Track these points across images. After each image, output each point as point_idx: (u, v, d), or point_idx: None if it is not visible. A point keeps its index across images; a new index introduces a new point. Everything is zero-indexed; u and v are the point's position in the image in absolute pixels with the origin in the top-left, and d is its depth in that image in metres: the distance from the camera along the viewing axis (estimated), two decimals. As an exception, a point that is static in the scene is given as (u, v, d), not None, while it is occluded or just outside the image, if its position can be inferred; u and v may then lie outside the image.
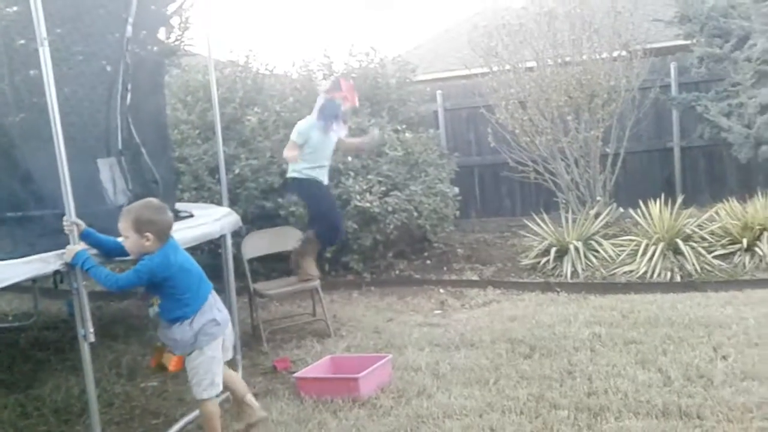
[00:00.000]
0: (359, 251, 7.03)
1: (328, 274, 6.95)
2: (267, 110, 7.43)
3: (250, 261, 5.49)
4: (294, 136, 5.22)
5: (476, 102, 9.00)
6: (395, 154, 7.24)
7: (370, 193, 6.76)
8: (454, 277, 7.10)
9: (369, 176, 6.93)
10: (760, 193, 6.93)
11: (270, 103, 7.56)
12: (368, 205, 6.67)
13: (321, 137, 5.19)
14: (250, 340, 5.27)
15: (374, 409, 3.82)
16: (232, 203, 5.95)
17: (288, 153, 5.20)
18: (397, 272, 7.32)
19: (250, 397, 3.59)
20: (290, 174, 5.34)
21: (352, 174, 6.92)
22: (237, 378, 3.67)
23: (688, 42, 8.55)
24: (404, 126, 7.88)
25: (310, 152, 5.18)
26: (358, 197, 6.69)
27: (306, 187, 5.32)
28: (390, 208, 6.82)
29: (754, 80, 7.59)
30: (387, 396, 3.99)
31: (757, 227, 6.44)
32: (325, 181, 5.36)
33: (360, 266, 7.09)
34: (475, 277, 7.04)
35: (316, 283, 5.52)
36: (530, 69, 8.08)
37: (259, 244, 5.64)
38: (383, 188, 6.87)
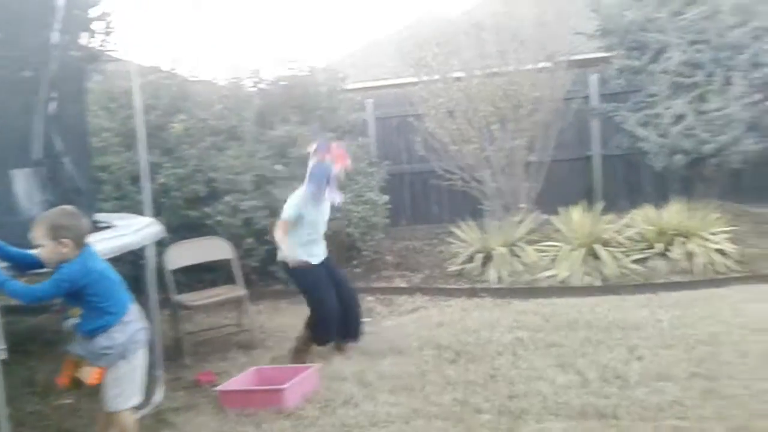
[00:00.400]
0: (287, 260, 6.97)
1: (255, 284, 6.86)
2: (193, 117, 7.31)
3: (175, 272, 5.39)
4: (286, 214, 4.70)
5: (406, 111, 9.07)
6: (324, 162, 7.23)
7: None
8: (383, 285, 7.15)
9: (297, 185, 6.88)
10: (673, 200, 7.25)
11: (196, 110, 7.44)
12: (297, 213, 6.62)
13: (314, 210, 4.71)
14: (172, 353, 5.14)
15: (299, 420, 3.80)
16: (157, 213, 5.81)
17: (279, 235, 4.67)
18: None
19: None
20: (280, 257, 4.84)
21: (280, 183, 6.87)
22: None
23: (609, 54, 8.85)
24: (334, 134, 7.88)
25: (306, 233, 4.74)
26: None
27: (298, 272, 4.79)
28: (319, 217, 6.79)
29: (670, 92, 7.90)
30: (313, 406, 3.98)
31: (671, 232, 6.73)
32: (322, 256, 4.88)
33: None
34: (403, 284, 7.11)
35: (243, 293, 5.45)
36: (459, 79, 8.22)
37: (184, 254, 5.55)
38: (312, 196, 6.86)
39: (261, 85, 8.27)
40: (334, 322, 4.82)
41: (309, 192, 4.64)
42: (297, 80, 8.33)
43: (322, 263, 4.90)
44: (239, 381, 4.28)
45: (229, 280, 5.75)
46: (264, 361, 4.95)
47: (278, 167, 6.98)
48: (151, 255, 4.48)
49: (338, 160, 4.68)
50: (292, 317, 6.21)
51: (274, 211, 6.68)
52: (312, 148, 4.69)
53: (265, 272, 7.05)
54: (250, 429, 3.72)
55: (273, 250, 6.83)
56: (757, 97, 7.47)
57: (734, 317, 5.08)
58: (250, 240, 6.77)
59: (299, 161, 7.18)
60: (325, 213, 4.84)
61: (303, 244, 4.75)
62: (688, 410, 3.49)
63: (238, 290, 5.50)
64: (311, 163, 4.66)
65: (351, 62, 12.75)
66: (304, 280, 4.84)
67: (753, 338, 4.54)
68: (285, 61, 8.42)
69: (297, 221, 4.69)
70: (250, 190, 6.91)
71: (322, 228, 4.88)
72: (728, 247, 6.60)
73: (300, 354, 4.92)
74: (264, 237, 6.84)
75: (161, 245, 5.18)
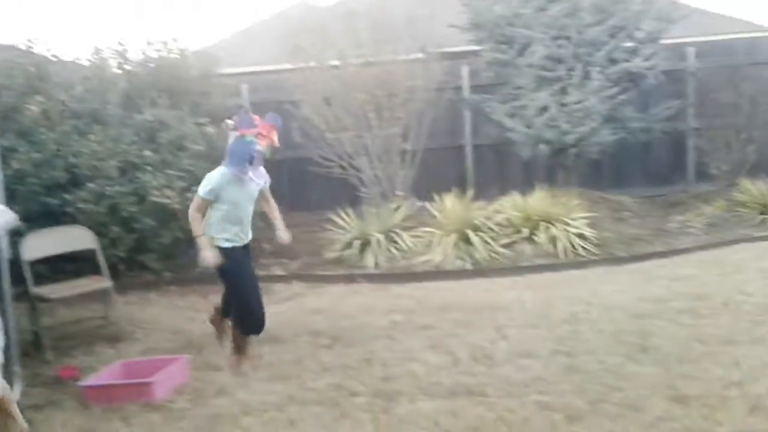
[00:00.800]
0: (158, 249, 6.70)
1: (123, 274, 6.54)
2: (52, 99, 6.84)
3: (35, 263, 5.06)
4: (202, 190, 4.16)
5: (283, 97, 8.95)
6: (197, 148, 6.98)
7: (170, 188, 6.47)
8: (260, 273, 6.93)
9: (168, 171, 6.62)
10: (538, 188, 7.63)
11: (56, 91, 6.97)
12: (168, 200, 6.37)
13: (237, 190, 4.21)
14: (31, 348, 4.82)
15: (169, 413, 3.68)
16: (10, 200, 5.40)
17: (193, 215, 4.18)
18: (200, 269, 7.07)
19: (14, 408, 3.31)
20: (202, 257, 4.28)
21: (149, 169, 6.57)
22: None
23: (480, 48, 9.14)
24: (208, 119, 7.63)
25: (227, 211, 4.22)
26: (156, 193, 6.38)
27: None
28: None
29: (535, 85, 8.27)
30: (184, 398, 3.87)
31: (536, 218, 7.09)
32: (245, 240, 4.39)
33: (159, 265, 6.77)
34: (281, 272, 7.04)
35: (108, 284, 5.19)
36: (335, 67, 8.20)
37: (43, 244, 5.22)
38: (184, 184, 6.59)
39: (127, 67, 7.85)
40: (257, 312, 4.36)
41: (228, 172, 4.16)
42: (166, 62, 7.98)
43: (245, 250, 4.45)
44: (104, 375, 4.08)
45: (95, 270, 5.45)
46: (132, 354, 4.74)
47: (146, 152, 6.67)
48: (3, 245, 4.16)
49: (262, 136, 4.16)
50: (162, 308, 6.03)
51: (142, 199, 6.42)
52: (234, 123, 4.17)
53: (133, 262, 6.74)
54: (118, 424, 3.56)
55: (142, 239, 6.58)
56: (613, 91, 8.00)
57: (592, 297, 5.41)
58: (116, 229, 6.44)
59: (169, 146, 6.92)
60: (250, 193, 4.35)
61: (220, 220, 4.24)
62: (551, 385, 3.68)
63: (103, 281, 5.24)
64: (231, 140, 4.19)
65: (226, 47, 12.40)
66: (228, 270, 4.30)
67: (608, 316, 4.86)
68: (153, 43, 8.06)
69: (215, 202, 4.20)
70: (115, 176, 6.57)
71: (247, 209, 4.38)
72: (587, 231, 7.03)
73: (219, 322, 4.70)
74: (131, 225, 6.53)
75: (18, 235, 4.84)
